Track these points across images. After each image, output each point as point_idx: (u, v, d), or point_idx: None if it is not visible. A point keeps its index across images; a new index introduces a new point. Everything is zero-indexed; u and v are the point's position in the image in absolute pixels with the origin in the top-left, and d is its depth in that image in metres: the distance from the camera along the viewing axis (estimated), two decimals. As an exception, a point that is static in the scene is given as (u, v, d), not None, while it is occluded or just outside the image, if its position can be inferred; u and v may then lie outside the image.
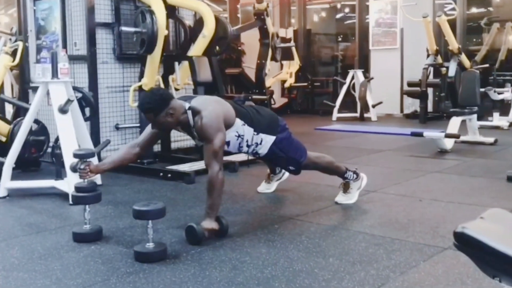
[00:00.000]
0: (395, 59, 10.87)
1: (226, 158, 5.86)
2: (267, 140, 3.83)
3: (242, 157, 6.00)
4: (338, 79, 11.32)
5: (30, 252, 3.28)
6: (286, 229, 3.66)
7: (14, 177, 4.82)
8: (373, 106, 10.22)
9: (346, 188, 4.27)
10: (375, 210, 4.10)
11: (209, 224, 3.39)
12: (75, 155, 3.74)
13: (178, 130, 3.73)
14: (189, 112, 3.50)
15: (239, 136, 3.72)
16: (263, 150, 3.86)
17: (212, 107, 3.55)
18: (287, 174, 4.64)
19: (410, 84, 10.02)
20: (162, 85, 6.15)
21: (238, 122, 3.68)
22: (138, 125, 6.25)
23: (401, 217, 3.88)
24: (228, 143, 3.69)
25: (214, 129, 3.45)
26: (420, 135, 6.79)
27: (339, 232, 3.56)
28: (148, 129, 3.70)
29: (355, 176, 4.25)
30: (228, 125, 3.60)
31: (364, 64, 11.15)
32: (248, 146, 3.81)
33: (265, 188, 4.69)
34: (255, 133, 3.77)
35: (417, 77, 9.74)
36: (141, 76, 6.08)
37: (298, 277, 2.80)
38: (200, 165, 5.39)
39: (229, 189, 4.91)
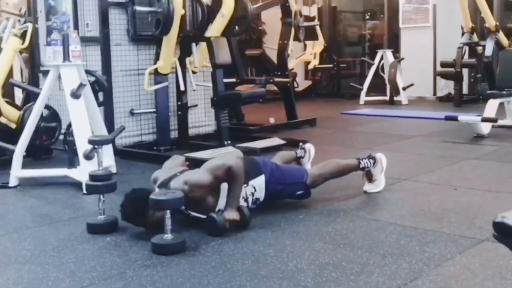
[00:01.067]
0: (427, 37, 10.77)
1: (247, 144, 5.87)
2: (259, 183, 3.74)
3: (263, 143, 6.00)
4: (366, 60, 11.25)
5: (43, 244, 3.32)
6: (311, 219, 3.65)
7: (24, 165, 4.87)
8: (404, 89, 10.14)
9: (369, 176, 4.24)
10: (406, 199, 4.08)
11: (231, 214, 3.40)
12: (90, 141, 3.76)
13: None
14: None
15: None
16: (261, 194, 3.76)
17: (188, 177, 3.47)
18: (312, 149, 4.67)
19: (443, 65, 9.92)
20: (178, 68, 6.16)
21: (224, 186, 3.52)
22: (154, 110, 6.27)
23: (434, 206, 3.85)
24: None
25: (203, 173, 3.43)
26: (454, 119, 6.72)
27: (368, 223, 3.54)
28: None
29: (372, 161, 4.19)
30: (216, 193, 3.49)
31: (394, 43, 11.06)
32: (246, 201, 3.68)
33: None
34: (245, 185, 3.63)
35: (451, 57, 9.63)
36: (156, 58, 6.10)
37: (324, 270, 2.80)
38: (220, 152, 5.39)
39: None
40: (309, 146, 4.72)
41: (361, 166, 4.17)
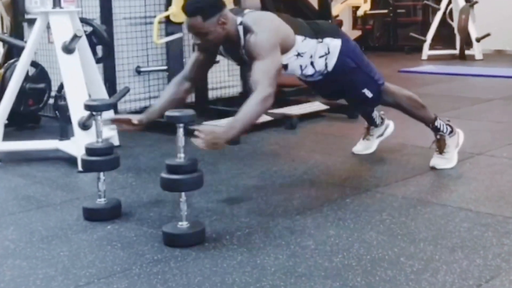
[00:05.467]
0: (508, -25, 10.62)
1: (280, 111, 5.84)
2: (334, 45, 3.93)
3: (301, 109, 5.98)
4: (430, 4, 11.13)
5: (29, 234, 3.34)
6: (361, 204, 3.64)
7: (7, 136, 4.91)
8: (478, 40, 10.04)
9: (441, 146, 4.21)
10: (481, 179, 4.05)
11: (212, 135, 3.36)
12: (87, 107, 3.75)
13: (221, 52, 3.87)
14: (240, 28, 3.62)
15: (298, 54, 3.83)
16: (332, 61, 3.94)
17: (268, 24, 3.71)
18: (391, 127, 4.70)
19: (528, 10, 9.79)
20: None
21: (298, 39, 3.80)
22: (165, 68, 6.26)
23: (516, 188, 3.83)
24: (286, 67, 3.81)
25: (269, 47, 3.57)
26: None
27: (433, 209, 3.52)
28: (194, 54, 3.88)
29: (449, 129, 4.20)
30: (288, 47, 3.74)
31: (466, -17, 10.91)
32: (312, 63, 3.90)
33: (363, 147, 4.67)
34: (320, 40, 3.89)
35: (539, 0, 9.50)
36: (168, 3, 6.07)
37: (378, 267, 2.79)
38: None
39: (286, 151, 4.91)
40: (388, 123, 4.72)
41: (435, 124, 4.19)
